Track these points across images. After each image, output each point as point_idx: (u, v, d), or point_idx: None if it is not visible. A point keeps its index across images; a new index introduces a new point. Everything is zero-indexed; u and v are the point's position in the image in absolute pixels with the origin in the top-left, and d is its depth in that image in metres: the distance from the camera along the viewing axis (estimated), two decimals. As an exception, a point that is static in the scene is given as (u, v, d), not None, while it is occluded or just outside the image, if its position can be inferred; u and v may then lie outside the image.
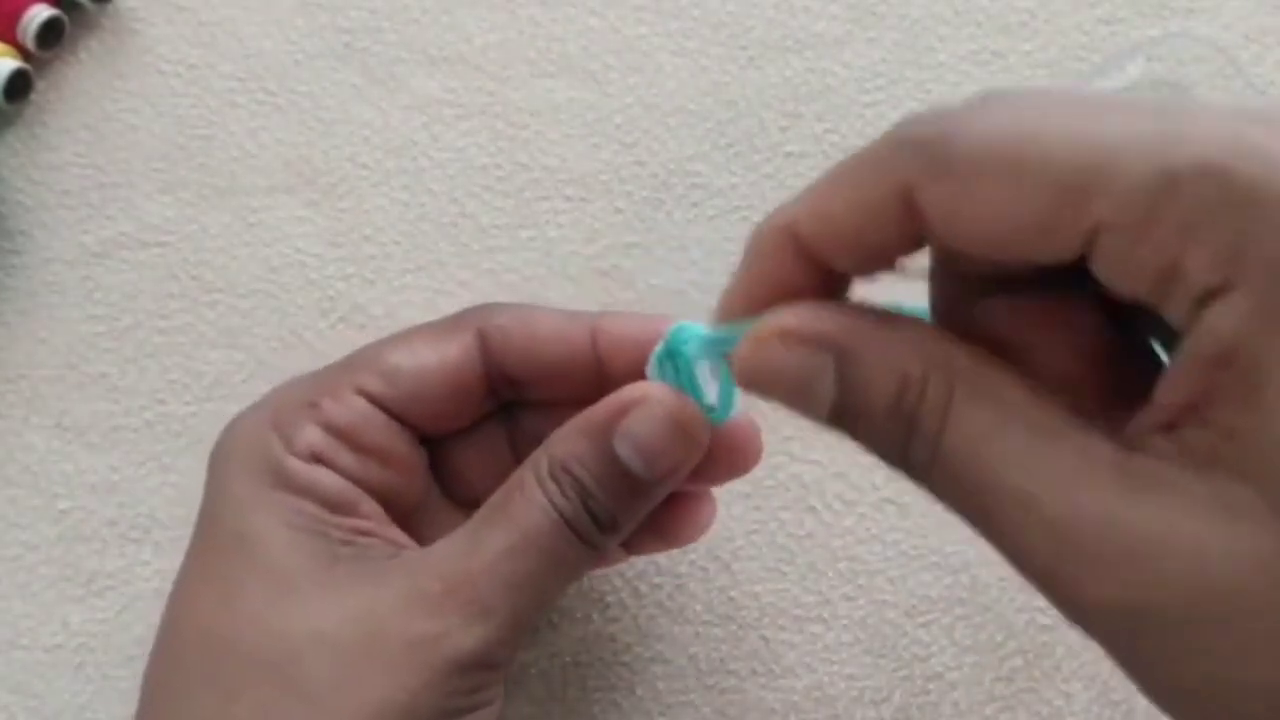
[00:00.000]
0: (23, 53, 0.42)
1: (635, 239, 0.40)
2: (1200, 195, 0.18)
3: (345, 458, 0.29)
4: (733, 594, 0.36)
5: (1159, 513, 0.19)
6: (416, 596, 0.27)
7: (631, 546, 0.32)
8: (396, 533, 0.29)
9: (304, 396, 0.29)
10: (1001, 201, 0.20)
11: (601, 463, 0.27)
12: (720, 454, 0.29)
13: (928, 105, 0.41)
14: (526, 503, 0.28)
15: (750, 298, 0.23)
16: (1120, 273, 0.20)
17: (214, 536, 0.29)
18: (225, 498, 0.29)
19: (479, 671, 0.27)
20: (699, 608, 0.35)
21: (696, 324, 0.27)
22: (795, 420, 0.35)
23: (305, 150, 0.41)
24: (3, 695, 0.35)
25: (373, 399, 0.29)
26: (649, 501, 0.29)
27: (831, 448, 0.37)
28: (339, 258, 0.40)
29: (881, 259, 0.22)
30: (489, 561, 0.27)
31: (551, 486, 0.28)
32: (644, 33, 0.43)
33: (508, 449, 0.32)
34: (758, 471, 0.33)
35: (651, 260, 0.40)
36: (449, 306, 0.39)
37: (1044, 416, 0.20)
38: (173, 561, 0.36)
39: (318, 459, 0.29)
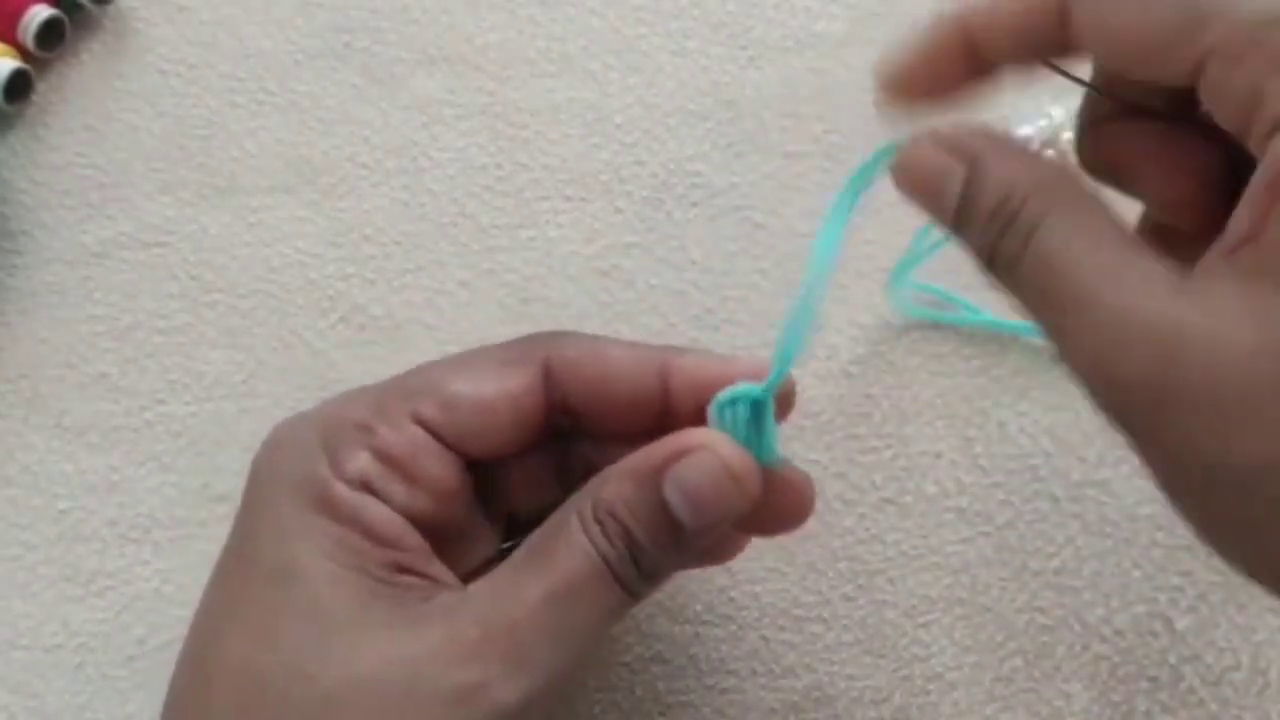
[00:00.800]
0: (23, 53, 0.42)
1: (635, 239, 0.40)
2: None
3: (395, 487, 0.28)
4: (733, 594, 0.35)
5: (1198, 312, 0.22)
6: (455, 643, 0.26)
7: (743, 527, 0.31)
8: (438, 568, 0.28)
9: (358, 417, 0.28)
10: (1136, 18, 0.23)
11: (649, 508, 0.27)
12: (776, 507, 0.29)
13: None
14: (570, 547, 0.27)
15: (910, 65, 0.27)
16: (1218, 97, 0.23)
17: (252, 562, 0.27)
18: (266, 519, 0.28)
19: None
20: (699, 608, 0.35)
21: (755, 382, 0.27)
22: (796, 420, 0.36)
23: (305, 150, 0.41)
24: (3, 695, 0.35)
25: (428, 427, 0.28)
26: (690, 552, 0.28)
27: (831, 448, 0.37)
28: (339, 258, 0.40)
29: (1034, 54, 0.26)
30: (530, 608, 0.26)
31: (595, 530, 0.27)
32: (644, 33, 0.43)
33: (552, 469, 0.31)
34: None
35: (651, 260, 0.40)
36: (449, 306, 0.39)
37: (1122, 240, 0.23)
38: (173, 561, 0.36)
39: (367, 487, 0.28)
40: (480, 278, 0.40)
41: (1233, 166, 0.25)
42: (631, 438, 0.28)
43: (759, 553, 0.36)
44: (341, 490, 0.27)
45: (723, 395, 0.27)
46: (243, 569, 0.28)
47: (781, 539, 0.36)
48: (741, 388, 0.27)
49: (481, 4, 0.43)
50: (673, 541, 0.27)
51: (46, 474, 0.38)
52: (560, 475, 0.31)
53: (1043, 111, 0.40)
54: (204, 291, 0.40)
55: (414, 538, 0.28)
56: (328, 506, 0.27)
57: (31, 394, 0.38)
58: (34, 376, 0.39)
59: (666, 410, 0.29)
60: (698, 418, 0.28)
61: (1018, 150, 0.25)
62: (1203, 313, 0.22)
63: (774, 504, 0.29)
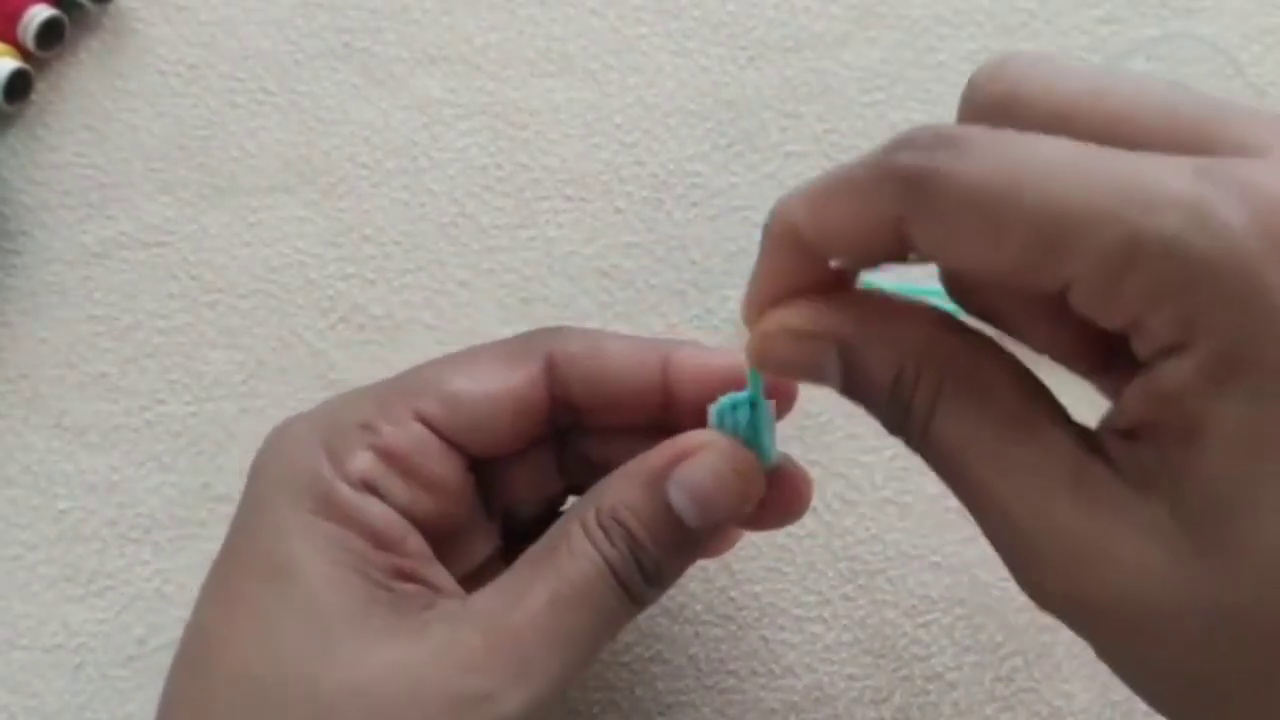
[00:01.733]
0: (23, 53, 0.42)
1: (635, 239, 0.40)
2: (1160, 267, 0.20)
3: (397, 487, 0.28)
4: (733, 594, 0.35)
5: (1101, 525, 0.21)
6: (457, 651, 0.25)
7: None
8: (438, 573, 0.28)
9: (360, 416, 0.28)
10: (981, 248, 0.21)
11: (653, 510, 0.26)
12: (774, 501, 0.29)
13: (927, 105, 0.41)
14: (573, 553, 0.26)
15: (767, 293, 0.25)
16: (1093, 314, 0.21)
17: (251, 562, 0.27)
18: (265, 519, 0.27)
19: None
20: (699, 608, 0.35)
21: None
22: (796, 420, 0.36)
23: (305, 150, 0.41)
24: (3, 695, 0.35)
25: (431, 425, 0.28)
26: (693, 554, 0.28)
27: (831, 448, 0.37)
28: (339, 258, 0.40)
29: (878, 261, 0.24)
30: (533, 615, 0.26)
31: (599, 535, 0.26)
32: (644, 33, 0.43)
33: (552, 464, 0.31)
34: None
35: (651, 260, 0.40)
36: (449, 306, 0.39)
37: (1021, 415, 0.22)
38: (173, 561, 0.36)
39: (369, 487, 0.27)
40: (480, 277, 0.40)
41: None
42: (632, 432, 0.28)
43: (759, 552, 0.36)
44: (343, 490, 0.27)
45: (723, 400, 0.27)
46: (240, 569, 0.27)
47: (781, 539, 0.36)
48: (740, 393, 0.27)
49: (481, 4, 0.43)
50: (676, 543, 0.27)
51: (46, 474, 0.37)
52: (560, 470, 0.31)
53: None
54: (204, 291, 0.40)
55: (415, 540, 0.28)
56: (329, 507, 0.27)
57: (31, 394, 0.38)
58: (34, 376, 0.39)
59: (667, 404, 0.29)
60: (697, 411, 0.28)
61: (888, 313, 0.24)
62: (1106, 526, 0.21)
63: (774, 500, 0.29)
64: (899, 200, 0.22)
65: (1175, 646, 0.21)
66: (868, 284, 0.25)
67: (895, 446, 0.37)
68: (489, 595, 0.27)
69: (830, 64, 0.42)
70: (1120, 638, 0.22)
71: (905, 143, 0.22)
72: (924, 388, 0.23)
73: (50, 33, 0.42)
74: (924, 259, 0.23)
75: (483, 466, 0.30)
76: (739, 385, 0.28)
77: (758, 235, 0.39)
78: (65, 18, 0.42)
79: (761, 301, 0.25)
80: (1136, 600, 0.21)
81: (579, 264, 0.40)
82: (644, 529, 0.26)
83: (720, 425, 0.28)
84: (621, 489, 0.27)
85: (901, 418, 0.23)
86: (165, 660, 0.35)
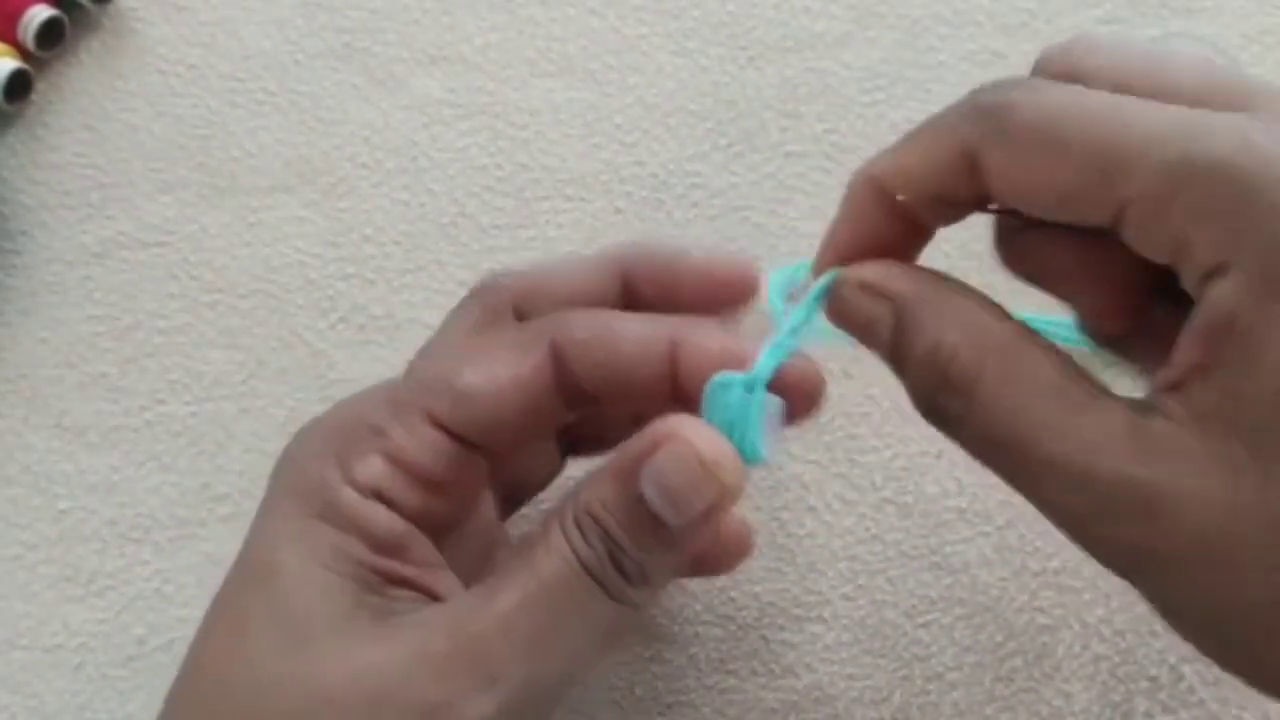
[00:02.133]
0: (23, 53, 0.42)
1: (635, 239, 0.40)
2: (1209, 185, 0.21)
3: (406, 494, 0.27)
4: (733, 594, 0.36)
5: (1166, 472, 0.22)
6: (424, 658, 0.25)
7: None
8: (439, 578, 0.27)
9: (372, 419, 0.27)
10: (1048, 172, 0.23)
11: (628, 507, 0.25)
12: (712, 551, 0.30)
13: (928, 105, 0.41)
14: (548, 552, 0.26)
15: (844, 245, 0.26)
16: (1143, 242, 0.23)
17: (243, 567, 0.27)
18: (266, 524, 0.27)
19: None
20: (699, 607, 0.35)
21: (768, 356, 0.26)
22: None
23: (305, 150, 0.41)
24: (3, 695, 0.35)
25: (444, 426, 0.27)
26: (681, 551, 0.26)
27: (832, 448, 0.37)
28: (339, 258, 0.40)
29: (952, 210, 0.26)
30: (501, 618, 0.25)
31: (575, 534, 0.26)
32: (644, 33, 0.43)
33: (561, 448, 0.31)
34: (758, 471, 0.33)
35: (651, 260, 0.40)
36: (449, 306, 0.39)
37: (1070, 389, 0.23)
38: (172, 561, 0.36)
39: (379, 495, 0.27)
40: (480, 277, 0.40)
41: (1156, 272, 0.24)
42: (645, 416, 0.27)
43: (759, 552, 0.36)
44: (348, 496, 0.27)
45: (716, 379, 0.26)
46: (235, 573, 0.27)
47: (782, 539, 0.36)
48: (735, 374, 0.26)
49: (481, 4, 0.43)
50: (656, 540, 0.26)
51: (46, 474, 0.38)
52: (564, 451, 0.31)
53: None
54: (204, 291, 0.40)
55: (421, 547, 0.27)
56: (331, 513, 0.27)
57: (31, 394, 0.38)
58: (34, 376, 0.39)
59: (677, 387, 0.28)
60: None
61: (943, 290, 0.25)
62: (1169, 469, 0.22)
63: (707, 552, 0.29)
64: (976, 128, 0.24)
65: (1254, 571, 0.21)
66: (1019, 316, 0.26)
67: (895, 446, 0.37)
68: (464, 599, 0.26)
69: (830, 64, 0.42)
70: (1197, 578, 0.22)
71: (984, 87, 0.24)
72: (965, 359, 0.24)
73: (50, 33, 0.42)
74: (995, 196, 0.24)
75: (499, 467, 0.29)
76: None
77: (758, 235, 0.40)
78: (65, 18, 0.42)
79: (836, 251, 0.26)
80: (1212, 533, 0.21)
81: (579, 264, 0.40)
82: (618, 525, 0.25)
83: (712, 407, 0.26)
84: (596, 486, 0.26)
85: (936, 390, 0.24)
86: (165, 660, 0.35)
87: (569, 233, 0.40)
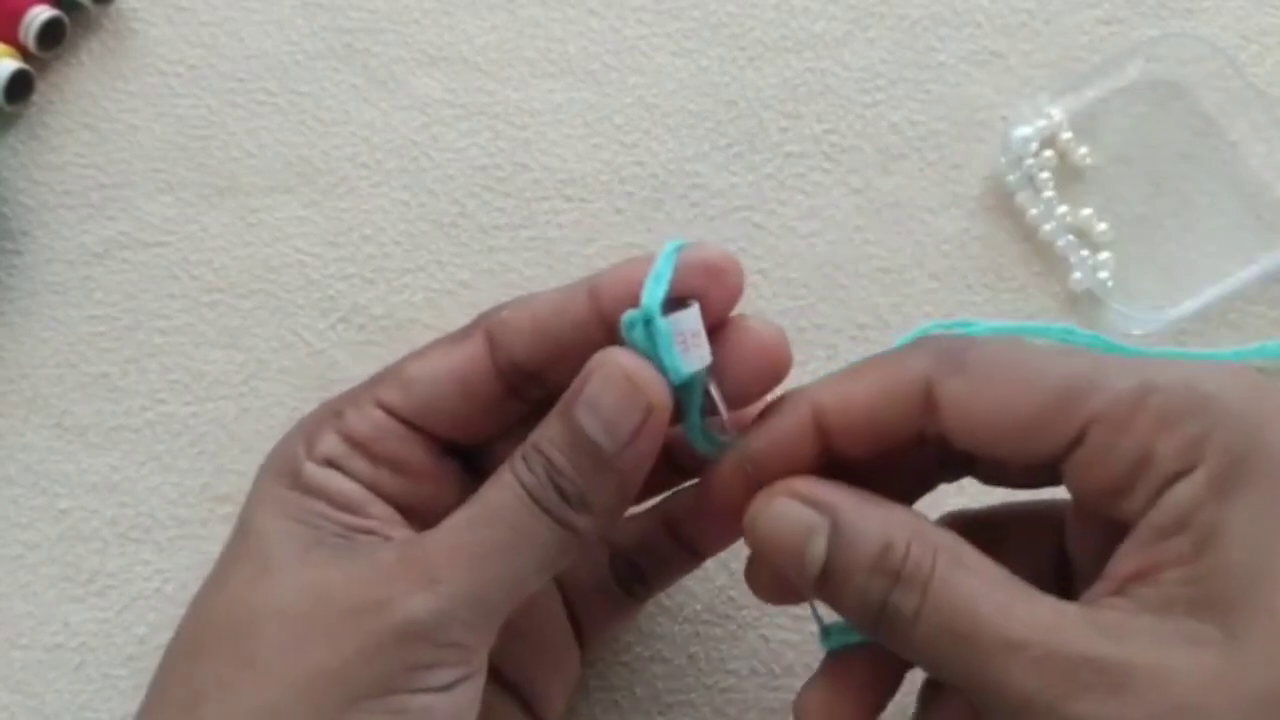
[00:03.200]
0: (24, 53, 0.42)
1: (635, 239, 0.40)
2: (1173, 395, 0.24)
3: (359, 465, 0.29)
4: (733, 594, 0.36)
5: (1131, 648, 0.23)
6: (369, 569, 0.27)
7: (703, 547, 0.32)
8: (403, 532, 0.29)
9: (334, 407, 0.30)
10: (1009, 396, 0.25)
11: (567, 436, 0.27)
12: (744, 362, 0.29)
13: (927, 105, 0.41)
14: (495, 482, 0.28)
15: (761, 455, 0.28)
16: (1100, 464, 0.25)
17: (232, 534, 0.30)
18: (248, 499, 0.30)
19: (428, 645, 0.26)
20: (699, 607, 0.35)
21: (651, 277, 0.27)
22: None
23: (305, 150, 0.41)
24: (3, 695, 0.35)
25: (389, 410, 0.30)
26: (621, 476, 0.28)
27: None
28: (339, 258, 0.40)
29: (890, 444, 0.27)
30: (445, 531, 0.27)
31: (520, 465, 0.27)
32: (644, 33, 0.43)
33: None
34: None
35: (651, 260, 0.40)
36: (449, 306, 0.39)
37: (1015, 581, 0.25)
38: (173, 561, 0.36)
39: (333, 464, 0.29)
40: (480, 278, 0.40)
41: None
42: None
43: (759, 552, 0.36)
44: (310, 467, 0.29)
45: (623, 318, 0.27)
46: (226, 545, 0.30)
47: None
48: (636, 311, 0.27)
49: (481, 4, 0.43)
50: (594, 465, 0.27)
51: (47, 474, 0.38)
52: None
53: (1041, 112, 0.41)
54: (204, 291, 0.40)
55: (380, 507, 0.29)
56: (297, 480, 0.29)
57: (32, 394, 0.38)
58: (34, 376, 0.39)
59: (612, 336, 0.28)
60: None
61: (877, 499, 0.27)
62: (1134, 647, 0.23)
63: (741, 358, 0.29)
64: (934, 361, 0.26)
65: None
66: (964, 324, 0.28)
67: (895, 446, 0.36)
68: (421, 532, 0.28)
69: (830, 64, 0.42)
70: None
71: (928, 338, 0.27)
72: (916, 556, 0.25)
73: (51, 33, 0.42)
74: (945, 430, 0.26)
75: (478, 456, 0.31)
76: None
77: (758, 235, 0.40)
78: (66, 18, 0.42)
79: (745, 460, 0.28)
80: (1184, 705, 0.23)
81: (579, 264, 0.40)
82: (559, 454, 0.27)
83: (631, 335, 0.27)
84: (542, 424, 0.28)
85: (887, 588, 0.25)
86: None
87: (569, 233, 0.40)
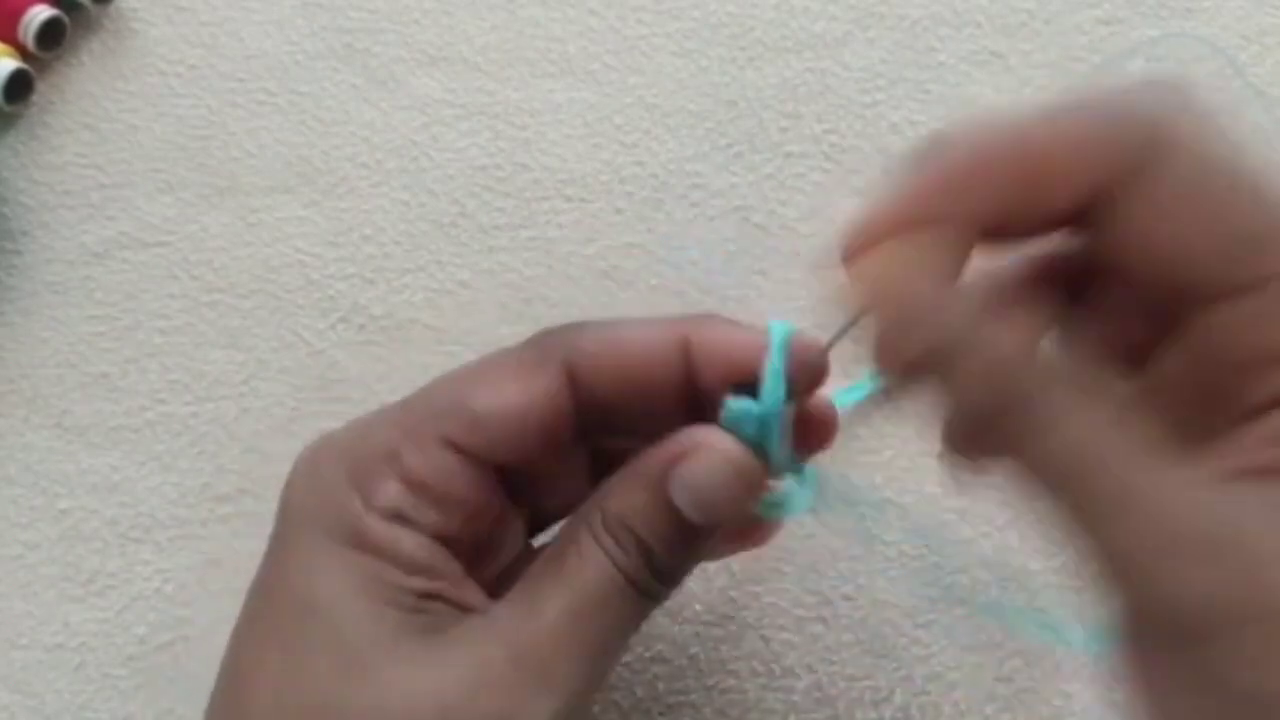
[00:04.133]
0: (23, 53, 0.42)
1: (635, 239, 0.40)
2: None
3: (427, 514, 0.27)
4: (733, 594, 0.36)
5: (1259, 522, 0.20)
6: (483, 672, 0.26)
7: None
8: (469, 591, 0.28)
9: (387, 445, 0.27)
10: (1201, 226, 0.22)
11: (659, 514, 0.26)
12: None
13: (927, 105, 0.41)
14: (584, 560, 0.26)
15: (886, 225, 0.23)
16: (1263, 326, 0.21)
17: (281, 599, 0.27)
18: (296, 555, 0.27)
19: None
20: (699, 608, 0.35)
21: (777, 377, 0.26)
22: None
23: (305, 150, 0.41)
24: (3, 694, 0.35)
25: (457, 447, 0.27)
26: (702, 549, 0.28)
27: (832, 448, 0.37)
28: (339, 258, 0.40)
29: (1036, 227, 0.23)
30: (552, 627, 0.26)
31: (609, 542, 0.26)
32: (644, 33, 0.43)
33: (581, 461, 0.30)
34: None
35: (651, 260, 0.40)
36: (449, 306, 0.39)
37: (1137, 429, 0.21)
38: (173, 561, 0.36)
39: (399, 518, 0.27)
40: (480, 278, 0.40)
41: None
42: (662, 423, 0.27)
43: (759, 552, 0.36)
44: (374, 524, 0.27)
45: (733, 405, 0.27)
46: (272, 607, 0.27)
47: (782, 539, 0.36)
48: (747, 403, 0.27)
49: (481, 4, 0.43)
50: (685, 542, 0.27)
51: (47, 474, 0.38)
52: (592, 468, 0.30)
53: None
54: (204, 291, 0.40)
55: (448, 563, 0.28)
56: (360, 541, 0.27)
57: (32, 394, 0.38)
58: (35, 376, 0.39)
59: (693, 387, 0.28)
60: (723, 390, 0.27)
61: (1006, 315, 0.23)
62: (1261, 521, 0.20)
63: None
64: (1170, 104, 0.22)
65: None
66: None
67: (895, 447, 0.37)
68: (509, 610, 0.27)
69: (830, 64, 0.42)
70: (1256, 645, 0.20)
71: (1153, 87, 0.22)
72: (1039, 373, 0.22)
73: (51, 33, 0.42)
74: (1103, 235, 0.22)
75: (513, 470, 0.29)
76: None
77: (758, 235, 0.40)
78: (66, 18, 0.42)
79: (875, 234, 0.23)
80: None
81: (579, 264, 0.40)
82: (651, 532, 0.26)
83: (730, 421, 0.27)
84: (626, 493, 0.27)
85: (1008, 400, 0.22)
86: (165, 660, 0.35)
87: (569, 233, 0.40)
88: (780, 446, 0.27)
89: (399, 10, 0.43)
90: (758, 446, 0.27)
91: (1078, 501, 0.21)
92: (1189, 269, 0.22)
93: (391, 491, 0.27)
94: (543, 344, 0.28)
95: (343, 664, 0.26)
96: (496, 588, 0.28)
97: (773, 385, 0.26)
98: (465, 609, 0.27)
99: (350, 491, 0.27)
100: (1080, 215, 0.22)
